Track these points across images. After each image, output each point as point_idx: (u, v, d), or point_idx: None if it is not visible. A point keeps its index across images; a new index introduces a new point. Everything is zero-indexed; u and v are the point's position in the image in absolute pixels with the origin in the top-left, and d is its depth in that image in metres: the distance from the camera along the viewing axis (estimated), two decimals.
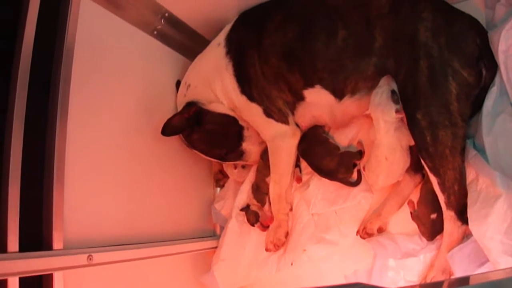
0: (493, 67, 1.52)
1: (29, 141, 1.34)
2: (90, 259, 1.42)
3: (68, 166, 1.45)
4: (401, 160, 1.64)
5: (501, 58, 1.47)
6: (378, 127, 1.62)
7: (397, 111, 1.56)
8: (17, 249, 1.25)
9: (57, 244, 1.38)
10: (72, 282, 1.41)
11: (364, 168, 1.75)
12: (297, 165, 1.95)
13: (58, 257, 1.36)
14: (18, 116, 1.30)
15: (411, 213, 1.70)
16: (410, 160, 1.66)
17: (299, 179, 1.97)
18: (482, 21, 1.59)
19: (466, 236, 1.51)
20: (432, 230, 1.62)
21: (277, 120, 1.83)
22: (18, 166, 1.29)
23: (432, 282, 1.50)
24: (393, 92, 1.57)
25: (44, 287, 1.35)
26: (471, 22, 1.56)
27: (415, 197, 1.70)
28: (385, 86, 1.59)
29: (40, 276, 1.34)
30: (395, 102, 1.56)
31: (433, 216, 1.60)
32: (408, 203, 1.72)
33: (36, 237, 1.38)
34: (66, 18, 1.47)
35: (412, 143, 1.60)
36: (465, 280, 0.93)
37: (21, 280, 1.25)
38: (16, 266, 1.23)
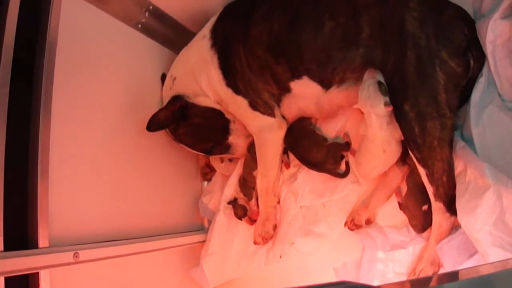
0: (481, 57, 1.51)
1: (12, 138, 1.31)
2: (76, 256, 1.41)
3: (52, 162, 1.43)
4: (397, 151, 1.64)
5: (488, 49, 1.47)
6: (371, 122, 1.60)
7: (386, 104, 1.54)
8: (1, 248, 1.23)
9: (42, 242, 1.36)
10: (59, 280, 1.40)
11: (355, 161, 1.74)
12: (285, 151, 1.93)
13: (43, 255, 1.34)
14: (0, 112, 1.27)
15: (398, 203, 1.70)
16: (401, 151, 1.66)
17: (287, 165, 1.97)
18: (470, 11, 1.58)
19: (455, 227, 1.52)
20: (424, 222, 1.61)
21: (263, 113, 1.82)
22: (1, 163, 1.26)
23: (421, 278, 1.50)
24: (379, 83, 1.55)
25: (31, 286, 1.34)
26: (459, 12, 1.55)
27: (402, 187, 1.70)
28: (370, 79, 1.57)
29: (26, 274, 1.32)
30: (383, 93, 1.54)
31: (424, 207, 1.60)
32: (395, 194, 1.72)
33: (22, 235, 1.36)
34: (48, 12, 1.44)
35: None
36: (454, 274, 0.93)
37: (7, 279, 1.23)
38: (2, 265, 1.21)
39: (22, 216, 1.37)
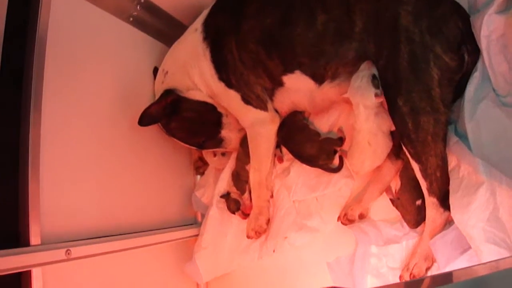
0: (476, 52, 1.50)
1: (2, 134, 1.31)
2: (68, 253, 1.41)
3: (43, 158, 1.42)
4: (384, 144, 1.63)
5: (483, 44, 1.46)
6: (358, 112, 1.60)
7: (376, 95, 1.54)
8: None
9: (34, 239, 1.36)
10: (52, 277, 1.40)
11: (347, 155, 1.73)
12: (278, 145, 1.93)
13: (35, 253, 1.34)
14: None
15: (390, 199, 1.69)
16: (392, 145, 1.65)
17: (280, 159, 1.96)
18: (465, 5, 1.57)
19: (449, 222, 1.51)
20: (418, 217, 1.61)
21: (255, 107, 1.82)
22: None
23: (414, 280, 1.50)
24: (373, 76, 1.55)
25: (23, 284, 1.34)
26: (453, 6, 1.53)
27: (393, 183, 1.70)
28: (366, 70, 1.57)
29: (18, 272, 1.32)
30: (375, 86, 1.54)
31: (418, 202, 1.60)
32: (386, 191, 1.72)
33: (13, 233, 1.35)
34: (38, 6, 1.43)
35: (393, 128, 1.58)
36: (448, 276, 0.92)
37: None
38: None
39: (14, 213, 1.37)
